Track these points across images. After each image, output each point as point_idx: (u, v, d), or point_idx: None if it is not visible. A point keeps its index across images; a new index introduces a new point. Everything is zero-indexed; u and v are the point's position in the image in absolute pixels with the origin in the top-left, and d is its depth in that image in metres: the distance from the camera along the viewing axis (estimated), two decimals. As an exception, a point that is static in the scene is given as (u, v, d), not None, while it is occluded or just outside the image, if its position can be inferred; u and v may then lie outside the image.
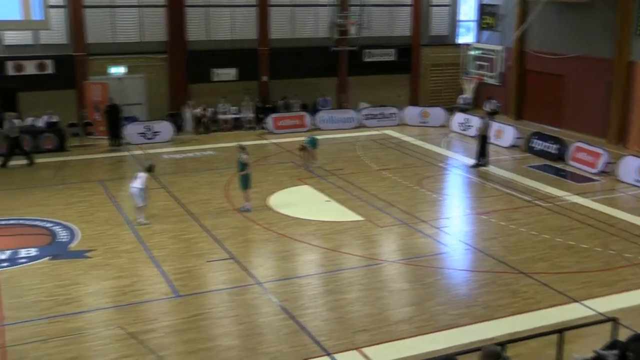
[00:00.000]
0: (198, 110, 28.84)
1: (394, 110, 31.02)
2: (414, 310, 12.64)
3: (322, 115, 29.95)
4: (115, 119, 26.14)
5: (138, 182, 17.14)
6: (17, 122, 24.11)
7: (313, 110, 30.65)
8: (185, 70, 29.34)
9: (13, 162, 23.37)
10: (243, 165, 18.16)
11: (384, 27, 32.83)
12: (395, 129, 29.64)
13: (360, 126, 30.01)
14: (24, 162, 23.23)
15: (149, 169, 17.79)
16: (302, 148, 22.67)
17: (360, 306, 12.78)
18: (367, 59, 32.63)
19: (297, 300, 13.00)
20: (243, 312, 12.57)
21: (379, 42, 32.70)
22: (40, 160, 23.92)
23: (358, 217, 17.82)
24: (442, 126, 30.05)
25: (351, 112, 30.71)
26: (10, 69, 26.82)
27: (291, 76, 30.82)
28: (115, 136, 26.24)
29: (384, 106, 31.20)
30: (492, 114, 29.39)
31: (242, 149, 18.36)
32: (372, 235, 16.66)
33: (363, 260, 15.05)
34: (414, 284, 13.81)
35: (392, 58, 33.12)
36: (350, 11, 31.66)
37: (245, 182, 18.28)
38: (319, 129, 29.23)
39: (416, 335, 11.72)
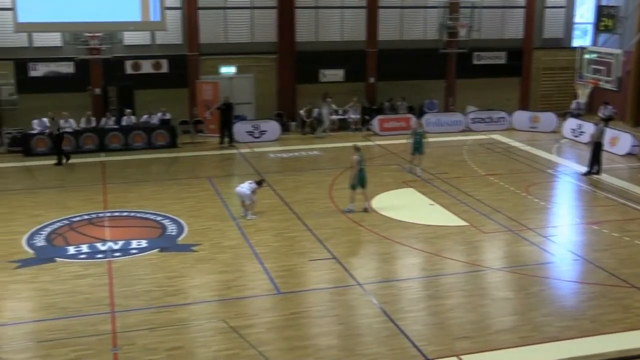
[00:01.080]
0: (302, 111, 29.20)
1: (502, 114, 30.30)
2: (517, 320, 12.28)
3: (429, 117, 29.63)
4: (228, 118, 26.80)
5: (246, 187, 17.58)
6: (61, 122, 24.88)
7: (419, 112, 30.39)
8: (294, 71, 29.75)
9: (126, 157, 24.47)
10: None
11: (495, 29, 32.12)
12: (503, 134, 28.95)
13: (467, 130, 29.50)
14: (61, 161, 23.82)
15: (259, 183, 18.11)
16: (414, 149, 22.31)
17: (461, 312, 12.55)
18: (476, 62, 32.03)
19: (397, 303, 12.91)
20: (343, 312, 12.60)
21: (489, 45, 32.03)
22: (152, 156, 24.92)
23: (462, 222, 17.51)
24: (552, 132, 29.10)
25: (458, 116, 30.25)
26: (128, 68, 28.05)
27: (398, 78, 30.65)
28: (227, 134, 26.86)
29: (492, 110, 30.53)
30: (607, 120, 28.13)
31: (357, 149, 18.36)
32: (476, 241, 16.33)
33: (466, 266, 14.77)
34: (517, 293, 13.43)
35: (502, 61, 32.37)
36: (460, 13, 31.19)
37: (356, 181, 18.23)
38: (426, 132, 28.96)
39: (519, 346, 11.38)
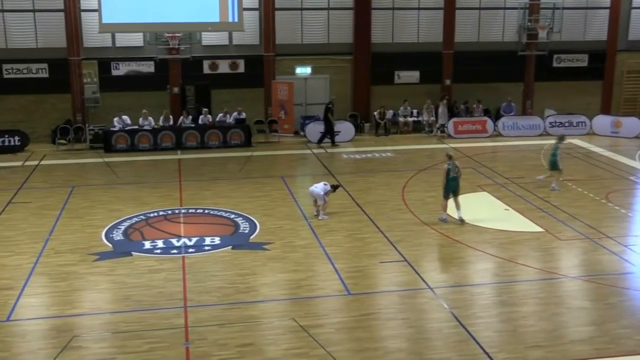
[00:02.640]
0: (376, 113, 29.13)
1: (582, 118, 29.45)
2: (594, 331, 11.90)
3: (506, 121, 29.09)
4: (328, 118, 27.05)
5: (320, 187, 17.68)
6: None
7: (496, 115, 29.86)
8: (369, 72, 29.70)
9: (202, 155, 24.97)
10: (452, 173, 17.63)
11: (577, 30, 31.25)
12: (583, 138, 28.13)
13: (545, 134, 28.82)
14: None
15: (335, 188, 18.12)
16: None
17: (535, 321, 12.25)
18: (556, 64, 31.27)
19: (469, 309, 12.71)
20: (413, 315, 12.49)
21: (571, 47, 31.20)
22: (227, 154, 25.35)
23: (537, 228, 17.10)
24: (636, 137, 28.11)
25: (536, 119, 29.57)
26: (206, 68, 28.60)
27: (474, 80, 30.24)
28: (328, 135, 27.06)
29: (572, 114, 29.71)
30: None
31: (449, 157, 17.76)
32: (552, 248, 15.91)
33: (540, 274, 14.41)
34: (595, 303, 13.01)
35: (583, 64, 31.49)
36: (540, 14, 30.49)
37: (446, 190, 17.61)
38: (501, 135, 28.50)
39: (595, 358, 11.02)
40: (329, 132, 26.97)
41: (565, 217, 17.93)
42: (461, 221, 17.39)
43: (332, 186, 18.04)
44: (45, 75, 27.54)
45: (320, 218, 17.66)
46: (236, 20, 27.80)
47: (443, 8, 29.87)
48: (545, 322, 12.18)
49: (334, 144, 26.88)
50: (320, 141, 26.96)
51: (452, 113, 29.31)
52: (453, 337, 11.62)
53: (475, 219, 17.64)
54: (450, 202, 17.56)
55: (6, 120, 27.19)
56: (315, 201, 17.88)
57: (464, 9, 30.14)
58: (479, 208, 18.79)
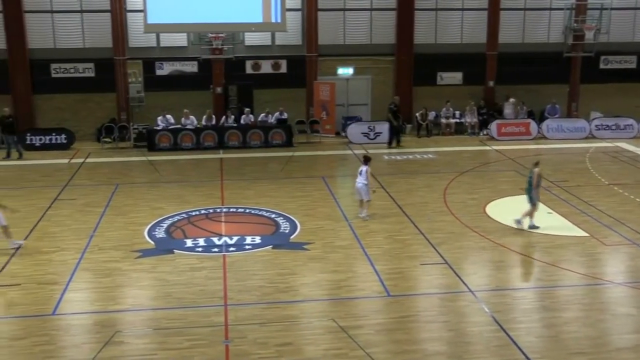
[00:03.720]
0: (418, 114, 28.99)
1: (630, 121, 28.86)
2: (640, 339, 11.67)
3: (550, 123, 28.67)
4: (396, 119, 27.07)
5: (362, 177, 17.60)
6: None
7: (540, 118, 29.46)
8: (411, 73, 29.56)
9: (244, 155, 25.10)
10: (530, 180, 17.26)
11: (625, 31, 30.64)
12: (630, 142, 27.58)
13: (591, 137, 28.33)
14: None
15: (367, 160, 17.96)
16: None
17: (578, 327, 12.04)
18: (603, 66, 30.71)
19: (510, 313, 12.54)
20: (453, 318, 12.38)
21: (618, 48, 30.61)
22: (269, 154, 25.47)
23: (582, 233, 16.80)
24: (685, 141, 27.50)
25: (582, 122, 29.08)
26: (248, 68, 28.78)
27: (518, 82, 29.87)
28: (395, 136, 27.09)
29: (619, 117, 29.14)
30: None
31: (536, 164, 17.38)
32: (596, 253, 15.61)
33: (584, 279, 14.16)
34: (641, 310, 12.75)
35: (632, 65, 30.88)
36: (587, 15, 29.97)
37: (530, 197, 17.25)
38: (545, 138, 28.10)
39: (640, 366, 10.82)
40: (395, 133, 26.99)
41: (610, 221, 17.59)
42: (534, 227, 17.02)
43: (364, 161, 17.84)
44: (92, 74, 28.02)
45: (361, 216, 17.61)
46: (279, 20, 27.93)
47: (487, 9, 29.57)
48: (589, 329, 11.96)
49: (398, 144, 26.90)
50: (390, 143, 26.97)
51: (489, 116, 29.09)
52: (494, 342, 11.48)
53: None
54: (522, 206, 17.26)
55: (53, 118, 27.78)
56: (361, 200, 17.82)
57: (508, 9, 29.79)
58: (521, 211, 18.52)
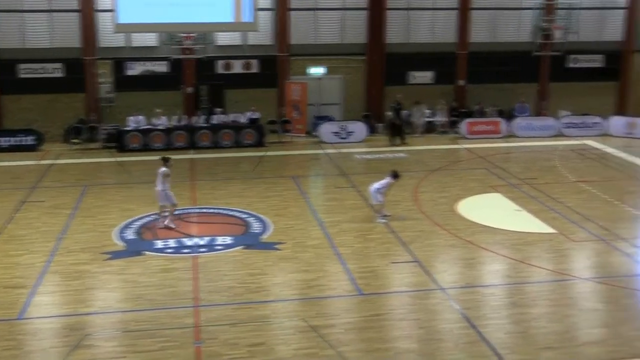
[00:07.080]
0: (389, 113, 29.06)
1: (597, 119, 29.27)
2: (607, 333, 11.81)
3: (519, 122, 28.96)
4: (399, 117, 27.28)
5: (380, 183, 17.53)
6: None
7: (509, 116, 29.74)
8: (383, 72, 29.66)
9: (215, 155, 25.02)
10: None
11: (593, 31, 31.05)
12: (597, 140, 27.96)
13: (560, 135, 28.67)
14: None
15: (395, 176, 17.74)
16: None
17: (546, 322, 12.18)
18: (571, 65, 31.09)
19: (480, 310, 12.66)
20: (424, 316, 12.46)
21: (586, 47, 31.00)
22: (240, 154, 25.40)
23: (550, 230, 17.00)
24: (652, 138, 27.92)
25: (550, 120, 29.42)
26: (219, 68, 28.68)
27: (488, 81, 30.13)
28: (398, 134, 27.26)
29: (586, 115, 29.53)
30: None
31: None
32: (564, 249, 15.81)
33: (552, 275, 14.33)
34: (608, 305, 12.91)
35: (599, 64, 31.30)
36: (556, 15, 30.32)
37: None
38: (515, 136, 28.37)
39: (607, 360, 10.98)
40: (398, 132, 27.18)
41: (578, 218, 17.82)
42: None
43: (392, 175, 17.65)
44: (61, 74, 27.72)
45: (378, 221, 17.49)
46: (250, 20, 27.87)
47: (458, 8, 29.79)
48: (557, 324, 12.11)
49: (403, 142, 27.04)
50: (392, 141, 27.23)
51: (459, 115, 29.30)
52: (464, 338, 11.57)
53: (487, 219, 17.58)
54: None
55: (22, 119, 27.41)
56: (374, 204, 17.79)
57: (478, 9, 30.03)
58: (491, 209, 18.73)
